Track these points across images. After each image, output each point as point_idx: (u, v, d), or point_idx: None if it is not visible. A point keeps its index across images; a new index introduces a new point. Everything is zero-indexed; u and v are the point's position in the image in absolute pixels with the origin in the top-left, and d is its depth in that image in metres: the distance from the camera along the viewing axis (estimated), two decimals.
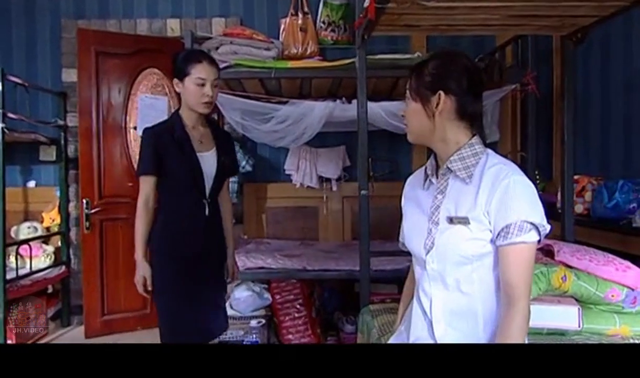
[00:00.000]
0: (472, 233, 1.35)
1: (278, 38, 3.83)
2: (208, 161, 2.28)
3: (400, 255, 3.08)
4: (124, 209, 3.94)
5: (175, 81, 2.25)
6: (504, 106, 3.94)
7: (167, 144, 2.22)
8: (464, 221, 1.36)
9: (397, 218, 4.04)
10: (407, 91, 1.45)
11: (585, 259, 1.97)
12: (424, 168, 1.55)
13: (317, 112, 3.20)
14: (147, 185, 2.25)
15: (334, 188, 4.05)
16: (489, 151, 1.42)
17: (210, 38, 3.29)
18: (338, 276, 3.27)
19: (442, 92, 1.38)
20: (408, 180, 1.63)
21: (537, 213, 1.30)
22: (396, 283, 3.54)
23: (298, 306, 3.38)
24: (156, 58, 3.99)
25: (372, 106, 3.28)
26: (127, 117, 3.99)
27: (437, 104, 1.39)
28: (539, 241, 1.32)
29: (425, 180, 1.50)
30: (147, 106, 4.01)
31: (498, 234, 1.32)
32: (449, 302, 1.42)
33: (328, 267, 3.26)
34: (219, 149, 2.33)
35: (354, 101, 3.31)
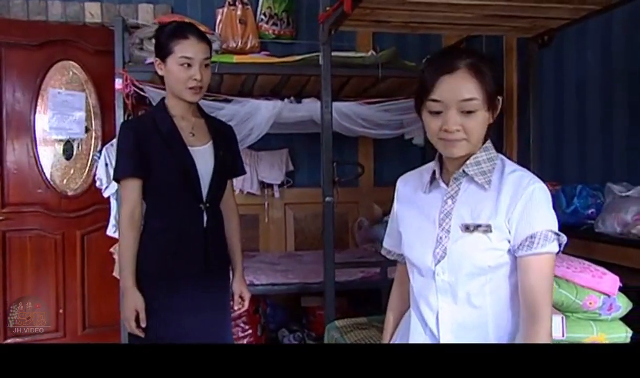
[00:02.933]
0: (491, 242, 1.34)
1: (214, 30, 3.72)
2: (203, 156, 2.00)
3: (358, 265, 3.10)
4: (33, 219, 3.70)
5: (157, 61, 2.00)
6: None
7: (150, 138, 1.95)
8: (485, 229, 1.34)
9: (346, 224, 4.08)
10: (476, 101, 1.30)
11: (562, 266, 2.04)
12: (421, 170, 1.52)
13: (264, 112, 3.16)
14: (131, 191, 1.96)
15: (276, 195, 4.00)
16: (502, 155, 1.43)
17: (144, 26, 3.13)
18: (288, 290, 3.22)
19: (500, 97, 1.36)
20: (401, 182, 1.56)
21: (556, 223, 1.33)
22: (346, 296, 3.54)
23: (242, 324, 3.29)
24: (72, 49, 3.76)
25: None
26: (36, 116, 3.72)
27: (498, 110, 1.36)
28: (558, 252, 1.35)
29: (430, 183, 1.45)
30: (61, 103, 3.76)
31: (521, 243, 1.32)
32: (458, 316, 1.40)
33: (276, 280, 3.20)
34: (216, 143, 2.05)
35: (304, 101, 3.31)
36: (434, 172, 1.45)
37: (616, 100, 2.88)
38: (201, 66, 1.97)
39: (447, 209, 1.40)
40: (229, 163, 2.11)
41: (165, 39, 1.98)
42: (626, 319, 2.07)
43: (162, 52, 1.98)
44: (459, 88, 1.29)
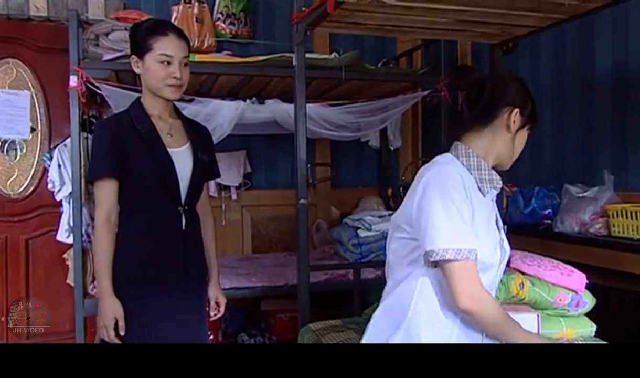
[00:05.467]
0: None
1: None
2: (181, 158, 1.94)
3: (332, 268, 3.08)
4: None
5: (134, 58, 1.92)
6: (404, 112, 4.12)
7: (128, 138, 1.87)
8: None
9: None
10: (528, 125, 1.59)
11: (534, 265, 2.10)
12: (458, 172, 1.51)
13: (227, 112, 3.07)
14: (106, 193, 1.86)
15: (234, 197, 3.91)
16: None
17: (99, 22, 2.99)
18: (251, 294, 3.16)
19: None
20: (462, 183, 1.48)
21: None
22: (309, 299, 3.50)
23: None
24: (16, 46, 3.57)
25: (285, 107, 3.24)
26: None
27: None
28: None
29: (486, 190, 1.57)
30: (3, 102, 3.54)
31: None
32: None
33: (239, 284, 3.13)
34: (194, 145, 2.00)
35: (268, 102, 3.26)
36: (488, 177, 1.57)
37: (569, 106, 3.01)
38: (181, 64, 1.91)
39: (496, 213, 1.62)
40: (206, 165, 2.05)
41: (143, 35, 1.91)
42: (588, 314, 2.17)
43: (140, 50, 1.91)
44: None
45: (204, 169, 2.04)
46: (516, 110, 1.54)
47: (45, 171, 3.42)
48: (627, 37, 2.65)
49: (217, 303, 2.13)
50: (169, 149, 1.92)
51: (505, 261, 1.64)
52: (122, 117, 1.96)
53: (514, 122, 1.55)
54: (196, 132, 2.06)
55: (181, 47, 1.92)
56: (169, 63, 1.88)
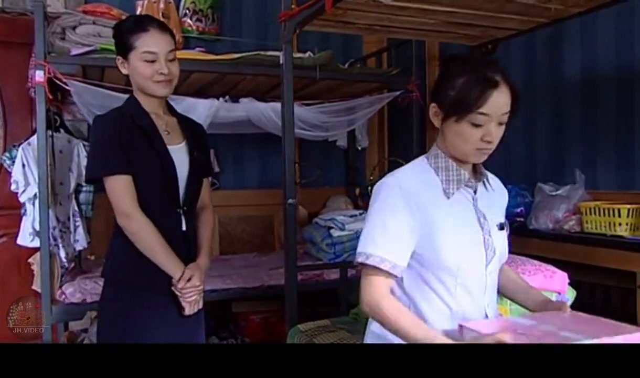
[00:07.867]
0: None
1: None
2: (179, 157, 1.86)
3: (319, 268, 3.05)
4: None
5: (119, 59, 1.83)
6: None
7: (132, 134, 1.78)
8: (504, 225, 1.51)
9: (272, 226, 4.00)
10: (508, 113, 1.35)
11: (517, 272, 2.14)
12: (413, 172, 1.43)
13: (201, 111, 3.00)
14: (126, 186, 1.75)
15: None
16: None
17: (66, 14, 2.84)
18: (227, 296, 3.09)
19: None
20: (408, 188, 1.38)
21: None
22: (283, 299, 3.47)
23: None
24: None
25: (260, 106, 3.20)
26: None
27: None
28: None
29: (456, 188, 1.42)
30: None
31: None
32: (495, 305, 1.51)
33: (215, 287, 3.05)
34: (190, 142, 1.92)
35: (242, 100, 3.20)
36: (456, 178, 1.42)
37: (539, 107, 3.11)
38: (166, 59, 1.83)
39: (481, 212, 1.45)
40: (202, 164, 1.98)
41: (125, 34, 1.82)
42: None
43: (123, 50, 1.83)
44: (504, 102, 1.34)
45: (201, 168, 1.97)
46: (433, 104, 1.40)
47: (1, 170, 3.23)
48: (595, 41, 2.76)
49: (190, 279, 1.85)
50: (168, 147, 1.85)
51: (497, 263, 1.47)
52: (122, 112, 1.85)
53: (436, 115, 1.39)
54: (191, 130, 1.99)
55: (165, 41, 1.83)
56: (153, 60, 1.80)
